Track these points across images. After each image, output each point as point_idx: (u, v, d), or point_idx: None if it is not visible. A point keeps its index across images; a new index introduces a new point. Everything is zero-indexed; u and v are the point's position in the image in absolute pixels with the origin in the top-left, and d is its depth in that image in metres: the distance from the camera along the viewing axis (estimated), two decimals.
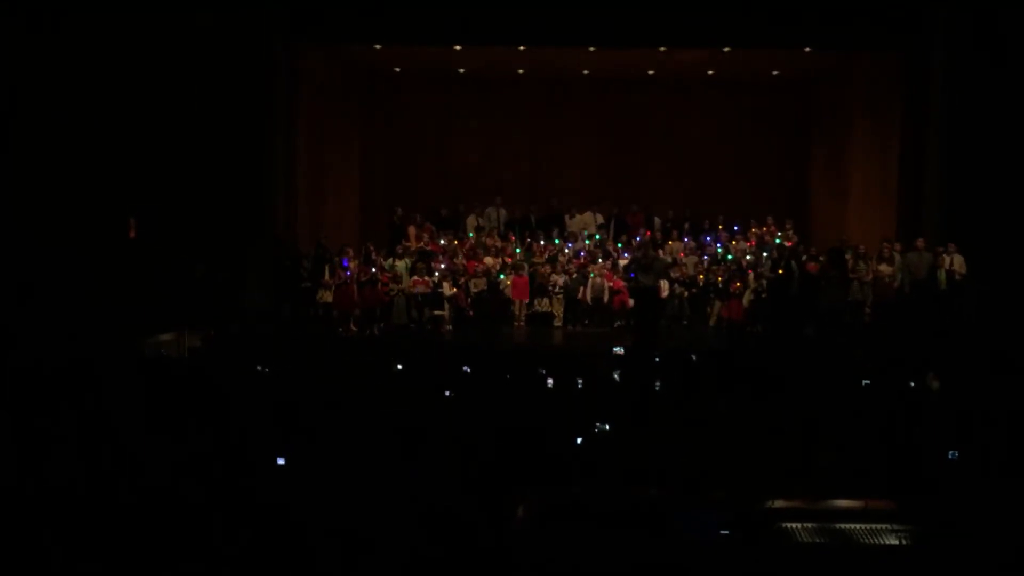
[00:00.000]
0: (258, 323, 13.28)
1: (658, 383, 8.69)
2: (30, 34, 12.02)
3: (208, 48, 13.69)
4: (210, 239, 13.66)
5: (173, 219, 13.44)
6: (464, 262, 15.30)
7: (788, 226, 16.73)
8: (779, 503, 4.62)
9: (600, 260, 15.59)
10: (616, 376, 9.31)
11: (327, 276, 14.39)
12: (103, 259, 12.28)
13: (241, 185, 13.96)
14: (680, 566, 4.10)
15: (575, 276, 15.13)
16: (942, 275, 13.52)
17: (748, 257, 15.56)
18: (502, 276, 15.04)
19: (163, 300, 12.24)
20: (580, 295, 14.99)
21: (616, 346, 10.86)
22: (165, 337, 12.06)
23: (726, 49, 15.69)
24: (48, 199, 12.00)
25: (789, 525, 4.37)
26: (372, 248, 15.16)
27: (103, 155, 12.62)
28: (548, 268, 15.23)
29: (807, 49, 15.66)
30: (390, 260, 14.97)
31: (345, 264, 14.47)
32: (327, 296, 14.38)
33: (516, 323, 14.87)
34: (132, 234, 12.96)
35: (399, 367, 9.44)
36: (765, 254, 15.40)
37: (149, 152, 13.23)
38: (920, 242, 13.80)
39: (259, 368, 9.23)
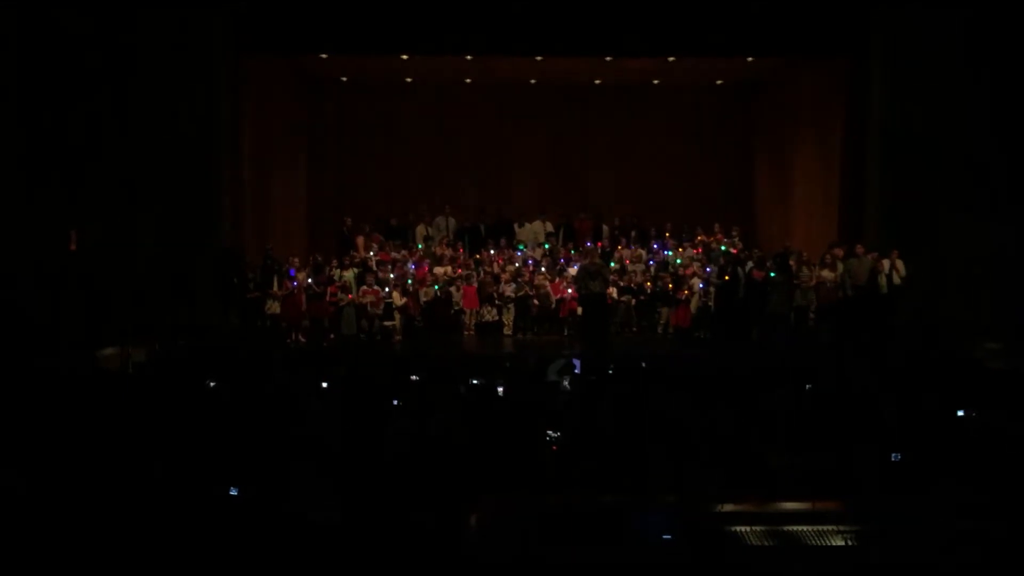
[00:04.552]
0: (205, 335, 13.08)
1: (608, 390, 8.74)
2: None
3: (152, 56, 13.50)
4: (155, 250, 13.46)
5: (116, 230, 13.21)
6: (414, 271, 15.26)
7: (735, 233, 16.98)
8: (728, 507, 4.68)
9: (546, 269, 15.68)
10: (566, 383, 9.34)
11: (275, 287, 14.25)
12: (43, 271, 12.02)
13: (186, 195, 13.75)
14: (631, 571, 4.13)
15: (524, 284, 15.18)
16: (882, 280, 13.81)
17: (695, 264, 15.74)
18: (452, 286, 15.03)
19: (106, 313, 12.01)
20: (530, 303, 15.05)
21: (565, 354, 10.92)
22: (107, 351, 11.82)
23: (671, 59, 15.91)
24: None
25: (738, 528, 4.43)
26: (321, 258, 15.05)
27: (43, 164, 12.37)
28: (493, 278, 15.25)
29: (749, 58, 15.93)
30: (338, 270, 14.87)
31: (292, 274, 14.34)
32: (275, 307, 14.24)
33: (466, 332, 14.87)
34: (72, 247, 12.69)
35: (325, 384, 9.16)
36: (711, 261, 15.62)
37: (93, 163, 12.99)
38: (860, 248, 14.10)
39: (208, 383, 9.08)
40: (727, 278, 14.42)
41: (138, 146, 13.45)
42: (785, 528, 4.45)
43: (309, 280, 14.39)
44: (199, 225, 13.91)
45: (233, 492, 5.01)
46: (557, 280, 15.41)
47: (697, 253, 16.39)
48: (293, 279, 14.30)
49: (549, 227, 17.68)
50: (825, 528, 4.45)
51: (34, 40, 12.45)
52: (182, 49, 13.67)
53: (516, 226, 17.58)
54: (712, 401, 7.95)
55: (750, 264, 14.54)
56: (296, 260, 14.83)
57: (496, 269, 15.64)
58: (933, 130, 14.08)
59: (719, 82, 18.67)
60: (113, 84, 13.14)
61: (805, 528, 4.45)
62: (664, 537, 4.31)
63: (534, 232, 17.49)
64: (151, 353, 12.09)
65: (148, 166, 13.52)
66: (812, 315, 14.34)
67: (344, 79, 18.43)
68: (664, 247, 16.76)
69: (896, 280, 13.79)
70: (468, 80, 18.36)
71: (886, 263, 13.85)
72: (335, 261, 15.32)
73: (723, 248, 16.11)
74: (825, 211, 16.22)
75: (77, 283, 12.64)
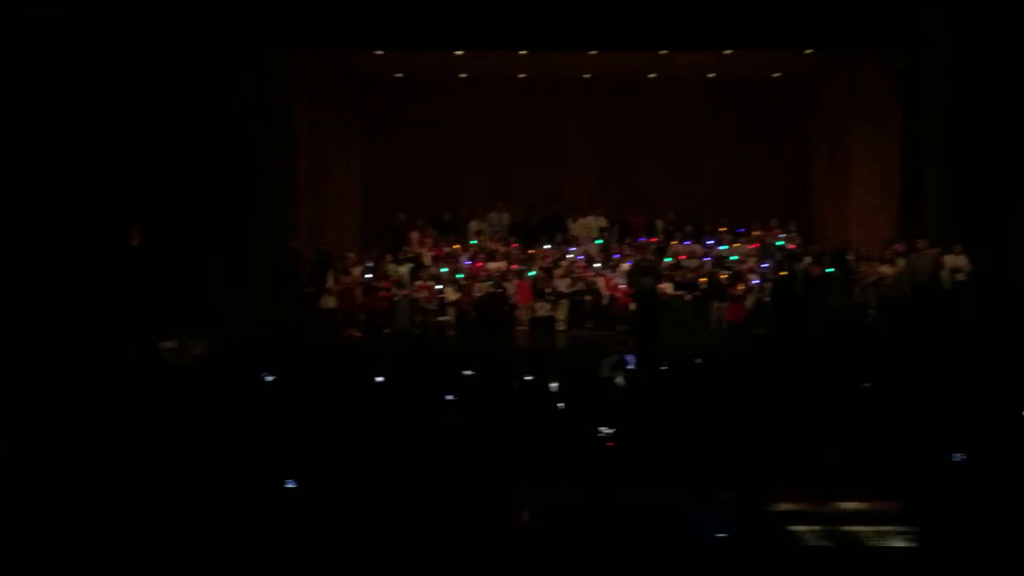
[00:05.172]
0: (261, 329, 13.27)
1: (661, 386, 8.69)
2: (26, 38, 12.02)
3: (207, 55, 13.70)
4: (212, 246, 13.68)
5: (176, 227, 13.44)
6: (469, 267, 15.31)
7: (792, 228, 16.72)
8: (785, 506, 4.62)
9: (601, 264, 15.61)
10: (619, 379, 9.30)
11: (330, 281, 14.40)
12: (107, 266, 12.28)
13: (241, 191, 13.96)
14: (686, 569, 4.09)
15: (578, 280, 15.14)
16: (945, 276, 13.50)
17: (750, 259, 15.55)
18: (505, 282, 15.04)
19: (167, 307, 12.23)
20: (584, 299, 15.01)
21: (620, 350, 10.85)
22: (168, 344, 12.04)
23: (726, 52, 15.71)
24: (48, 208, 12.00)
25: (795, 527, 4.36)
26: (376, 253, 15.18)
27: (103, 163, 12.63)
28: (546, 273, 15.23)
29: (808, 51, 15.67)
30: (392, 265, 14.98)
31: (348, 270, 14.48)
32: (330, 302, 14.38)
33: (519, 327, 14.86)
34: (134, 242, 12.95)
35: (382, 377, 9.23)
36: (767, 256, 15.41)
37: (150, 160, 13.23)
38: (922, 243, 13.79)
39: (263, 376, 9.21)
40: (784, 274, 14.23)
41: (196, 143, 13.67)
42: (843, 528, 4.37)
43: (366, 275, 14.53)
44: (255, 221, 14.12)
45: (290, 485, 5.06)
46: (610, 275, 15.34)
47: (753, 248, 16.18)
48: (348, 274, 14.44)
49: (602, 222, 17.60)
50: (884, 529, 4.36)
51: (90, 34, 12.68)
52: (236, 46, 13.84)
53: (569, 221, 17.54)
54: (768, 398, 7.85)
55: (807, 259, 14.33)
56: (351, 255, 14.96)
57: (549, 264, 15.62)
58: (997, 121, 13.71)
59: (775, 75, 18.38)
60: (169, 81, 13.35)
61: (864, 528, 4.37)
62: (719, 536, 4.26)
63: (587, 227, 17.42)
64: (209, 346, 12.30)
65: (205, 163, 13.73)
66: (871, 312, 14.08)
67: (398, 75, 18.53)
68: (719, 242, 16.58)
69: (959, 276, 13.47)
70: (521, 75, 18.33)
71: (948, 259, 13.54)
72: (389, 256, 15.44)
73: (780, 243, 15.89)
74: (884, 205, 15.90)
75: (139, 277, 12.89)
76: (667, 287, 14.74)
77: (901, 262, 13.89)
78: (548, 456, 6.02)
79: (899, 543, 4.29)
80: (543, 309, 14.98)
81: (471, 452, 6.01)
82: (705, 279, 15.26)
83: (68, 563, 4.05)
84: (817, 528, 4.35)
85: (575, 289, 15.08)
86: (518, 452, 6.06)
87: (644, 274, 13.55)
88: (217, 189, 13.81)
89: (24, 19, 12.02)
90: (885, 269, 13.95)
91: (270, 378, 9.04)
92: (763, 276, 14.75)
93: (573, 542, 4.25)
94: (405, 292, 14.51)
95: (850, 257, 14.29)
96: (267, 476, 5.30)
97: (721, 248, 16.33)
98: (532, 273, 15.19)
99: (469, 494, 4.95)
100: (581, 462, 6.05)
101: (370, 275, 14.85)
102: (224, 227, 13.79)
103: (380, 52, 16.01)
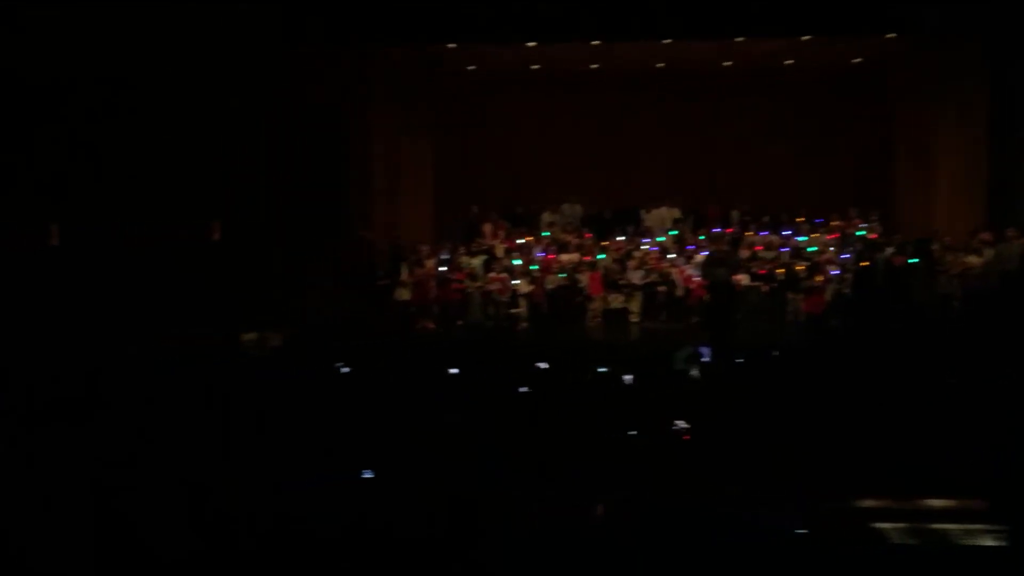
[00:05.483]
0: (337, 321, 13.47)
1: (738, 379, 8.57)
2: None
3: (284, 51, 13.91)
4: (290, 240, 13.92)
5: (254, 221, 13.72)
6: (542, 258, 15.31)
7: (874, 218, 16.29)
8: (868, 502, 4.49)
9: (674, 255, 15.45)
10: (694, 372, 9.19)
11: (404, 274, 14.54)
12: (189, 260, 12.60)
13: (317, 185, 14.18)
14: (766, 566, 4.01)
15: (651, 272, 15.00)
16: None
17: (830, 250, 15.21)
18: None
19: (246, 300, 12.51)
20: (657, 291, 14.87)
21: (694, 343, 10.72)
22: (248, 336, 12.31)
23: (804, 38, 15.35)
24: (135, 205, 12.35)
25: (879, 525, 4.24)
26: (449, 246, 15.29)
27: (189, 160, 12.94)
28: (619, 264, 15.14)
29: (891, 35, 15.21)
30: (466, 257, 15.07)
31: (422, 262, 14.60)
32: (404, 293, 14.53)
33: (592, 319, 14.80)
34: (216, 236, 13.27)
35: (457, 369, 9.28)
36: (849, 247, 15.06)
37: (231, 157, 13.52)
38: (1011, 232, 13.30)
39: (339, 367, 9.34)
40: (865, 264, 13.88)
41: (274, 140, 13.91)
42: (929, 526, 4.24)
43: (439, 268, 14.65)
44: (330, 215, 14.34)
45: (367, 475, 5.12)
46: (684, 267, 15.16)
47: (832, 238, 15.82)
48: (422, 266, 14.56)
49: (676, 213, 17.42)
50: (972, 527, 4.22)
51: (174, 37, 12.98)
52: (312, 43, 14.02)
53: (642, 212, 17.40)
54: (847, 392, 7.67)
55: (890, 249, 13.95)
56: (425, 247, 15.08)
57: (622, 255, 15.51)
58: None
59: (855, 60, 17.90)
60: (250, 80, 13.60)
61: (951, 527, 4.23)
62: (799, 532, 4.17)
63: (661, 218, 17.26)
64: (286, 338, 12.54)
65: (283, 160, 13.97)
66: (956, 304, 13.64)
67: (471, 68, 18.58)
68: (796, 232, 16.24)
69: None
70: (594, 66, 18.21)
71: None
72: (462, 248, 15.52)
73: (861, 233, 15.50)
74: (971, 193, 15.38)
75: (220, 271, 13.19)
76: (742, 278, 14.51)
77: (988, 252, 13.42)
78: (622, 450, 5.97)
79: (988, 542, 4.13)
80: (616, 301, 14.89)
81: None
82: (782, 270, 14.98)
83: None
84: (902, 526, 4.23)
85: (648, 281, 14.95)
86: (591, 445, 6.02)
87: (719, 265, 13.36)
88: (295, 185, 14.05)
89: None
90: (972, 259, 13.50)
91: (345, 369, 9.17)
92: (843, 267, 14.40)
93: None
94: (478, 284, 14.57)
95: (935, 247, 13.86)
96: (339, 467, 5.35)
97: (799, 238, 16.00)
98: (601, 256, 15.12)
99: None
100: (657, 456, 5.99)
101: (444, 267, 14.95)
102: (302, 222, 14.02)
103: (452, 45, 16.07)
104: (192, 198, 13.04)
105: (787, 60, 17.63)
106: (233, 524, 4.43)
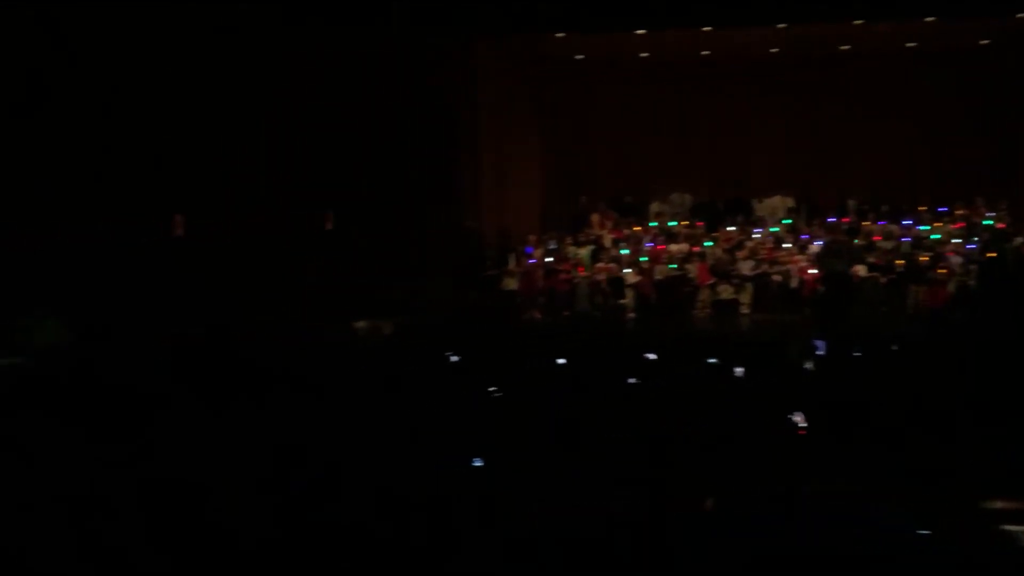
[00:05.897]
0: (446, 311, 13.64)
1: (855, 373, 8.31)
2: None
3: (391, 46, 14.10)
4: (401, 232, 14.15)
5: (366, 211, 13.99)
6: (650, 249, 15.17)
7: (1002, 207, 15.53)
8: (1000, 504, 4.29)
9: (787, 246, 15.07)
10: (809, 365, 8.96)
11: (511, 264, 14.61)
12: (304, 251, 12.95)
13: (427, 177, 14.37)
14: (886, 567, 3.88)
15: (762, 262, 14.68)
16: None
17: (954, 240, 14.59)
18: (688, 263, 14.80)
19: (358, 288, 12.77)
20: (770, 281, 14.55)
21: (808, 336, 10.45)
22: (361, 324, 12.58)
23: (929, 19, 14.71)
24: (255, 198, 12.74)
25: (1012, 528, 4.05)
26: (557, 236, 15.30)
27: (305, 153, 13.28)
28: (729, 254, 14.86)
29: (1022, 15, 14.44)
30: (573, 248, 15.05)
31: (529, 251, 14.65)
32: (511, 283, 14.60)
33: (702, 310, 14.57)
34: (328, 226, 13.60)
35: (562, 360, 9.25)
36: (975, 237, 14.41)
37: (338, 148, 13.81)
38: None
39: (449, 356, 9.45)
40: (992, 255, 13.26)
41: (382, 132, 14.14)
42: None
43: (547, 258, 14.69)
44: (440, 206, 14.51)
45: (477, 463, 5.15)
46: (798, 257, 14.77)
47: (957, 228, 15.15)
48: (530, 256, 14.61)
49: (790, 202, 17.00)
50: None
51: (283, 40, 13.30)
52: (417, 34, 14.17)
53: (754, 201, 17.04)
54: (972, 388, 7.35)
55: (1019, 239, 13.29)
56: (533, 238, 15.13)
57: (732, 245, 15.23)
58: None
59: (982, 42, 17.06)
60: (364, 74, 13.85)
61: None
62: (921, 533, 4.01)
63: (773, 208, 16.88)
64: (398, 327, 12.76)
65: (392, 152, 14.21)
66: None
67: (578, 57, 18.49)
68: (918, 222, 15.63)
69: None
70: (704, 53, 17.88)
71: None
72: (570, 239, 15.50)
73: (988, 222, 14.81)
74: None
75: (333, 260, 13.52)
76: (860, 269, 14.04)
77: None
78: (735, 444, 5.85)
79: None
80: (726, 292, 14.63)
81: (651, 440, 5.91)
82: (902, 261, 14.44)
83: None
84: None
85: (759, 272, 14.62)
86: (700, 438, 5.93)
87: (835, 256, 12.99)
88: (405, 176, 14.27)
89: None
90: None
91: (455, 358, 9.28)
92: (968, 257, 13.78)
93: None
94: (585, 274, 14.53)
95: None
96: (451, 454, 5.40)
97: (921, 228, 15.39)
98: (708, 244, 14.88)
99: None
100: (769, 450, 5.86)
101: (551, 258, 14.96)
102: (412, 212, 14.23)
103: (561, 35, 16.02)
104: (307, 189, 13.38)
105: (908, 43, 16.94)
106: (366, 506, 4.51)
